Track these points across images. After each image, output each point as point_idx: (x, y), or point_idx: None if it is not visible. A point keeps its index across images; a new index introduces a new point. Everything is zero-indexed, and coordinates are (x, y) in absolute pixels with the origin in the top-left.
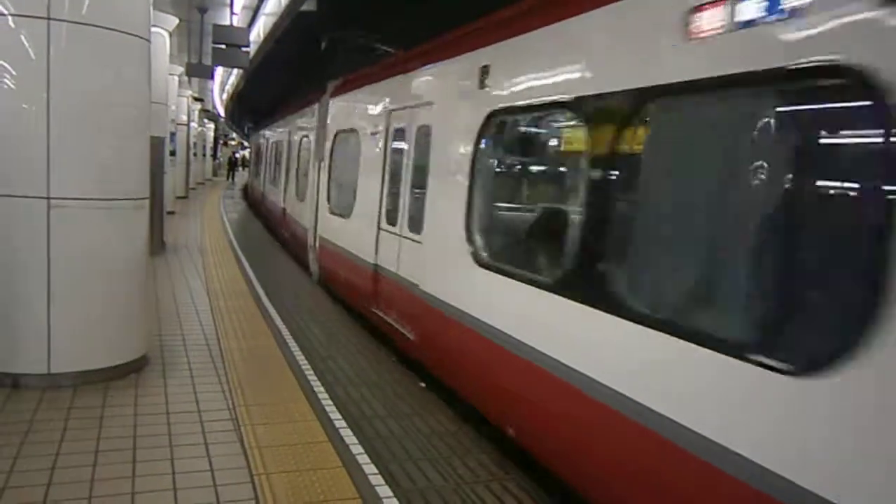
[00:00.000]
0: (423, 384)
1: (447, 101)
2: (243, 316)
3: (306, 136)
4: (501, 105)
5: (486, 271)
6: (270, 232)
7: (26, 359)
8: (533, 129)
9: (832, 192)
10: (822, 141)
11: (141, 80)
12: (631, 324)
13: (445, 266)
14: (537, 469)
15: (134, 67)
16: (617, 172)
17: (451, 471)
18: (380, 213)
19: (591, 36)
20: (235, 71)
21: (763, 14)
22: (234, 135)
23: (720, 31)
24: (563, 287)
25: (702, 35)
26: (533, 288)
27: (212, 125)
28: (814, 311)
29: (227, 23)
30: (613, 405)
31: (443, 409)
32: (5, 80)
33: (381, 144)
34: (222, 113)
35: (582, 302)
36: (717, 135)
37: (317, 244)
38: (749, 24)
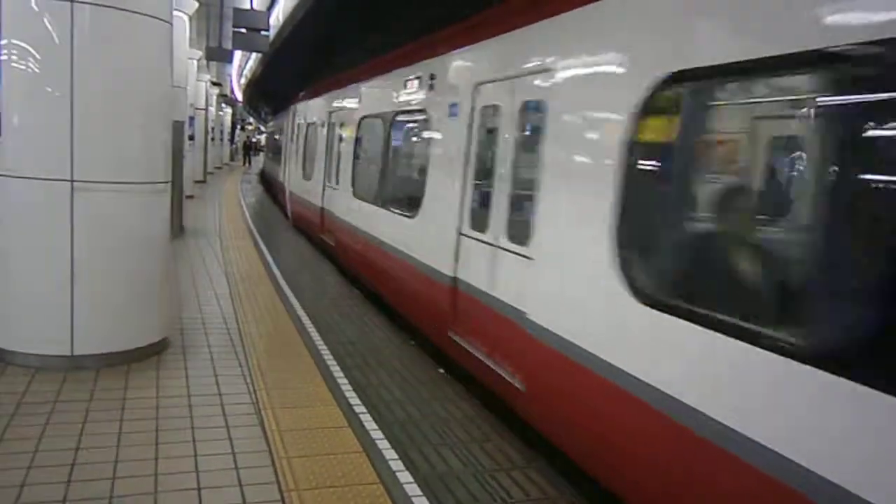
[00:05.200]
0: (441, 370)
1: (346, 112)
2: (261, 299)
3: (287, 126)
4: (366, 114)
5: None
6: (282, 210)
7: (50, 340)
8: (369, 126)
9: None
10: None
11: (163, 64)
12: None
13: (341, 196)
14: (559, 457)
15: (156, 50)
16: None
17: (470, 457)
18: (324, 173)
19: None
20: (254, 56)
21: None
22: (252, 119)
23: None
24: (366, 196)
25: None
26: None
27: (229, 110)
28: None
29: (247, 6)
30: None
31: (462, 395)
32: (30, 64)
33: (324, 132)
34: (240, 98)
35: (362, 200)
36: (375, 130)
37: (290, 197)
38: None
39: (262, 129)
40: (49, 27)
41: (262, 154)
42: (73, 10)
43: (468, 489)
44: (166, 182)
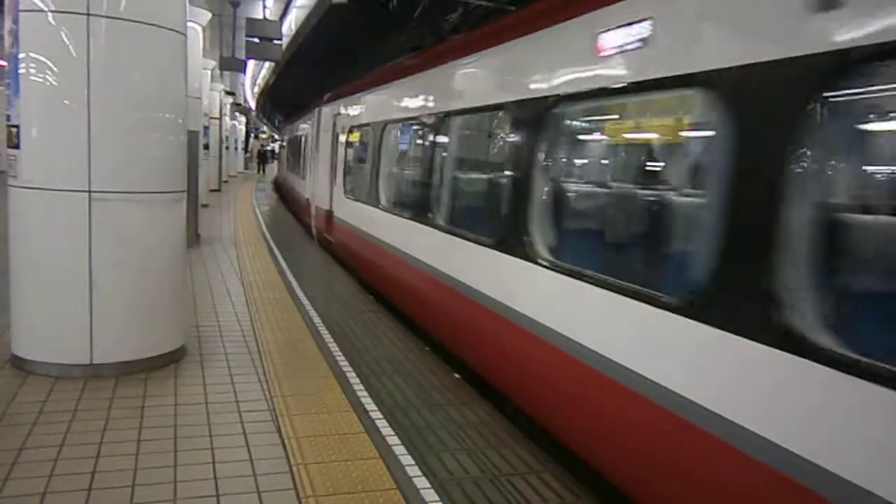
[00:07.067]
0: (457, 375)
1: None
2: (277, 306)
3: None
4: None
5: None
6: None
7: (69, 349)
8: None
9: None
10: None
11: (178, 74)
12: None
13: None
14: (574, 462)
15: (171, 62)
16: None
17: (487, 462)
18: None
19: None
20: (267, 65)
21: None
22: (265, 128)
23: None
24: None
25: None
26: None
27: (243, 119)
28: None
29: (260, 16)
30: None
31: (477, 400)
32: (47, 77)
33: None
34: (253, 106)
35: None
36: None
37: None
38: None
39: (276, 136)
40: (66, 40)
41: (276, 163)
42: (89, 22)
43: (485, 494)
44: (182, 191)
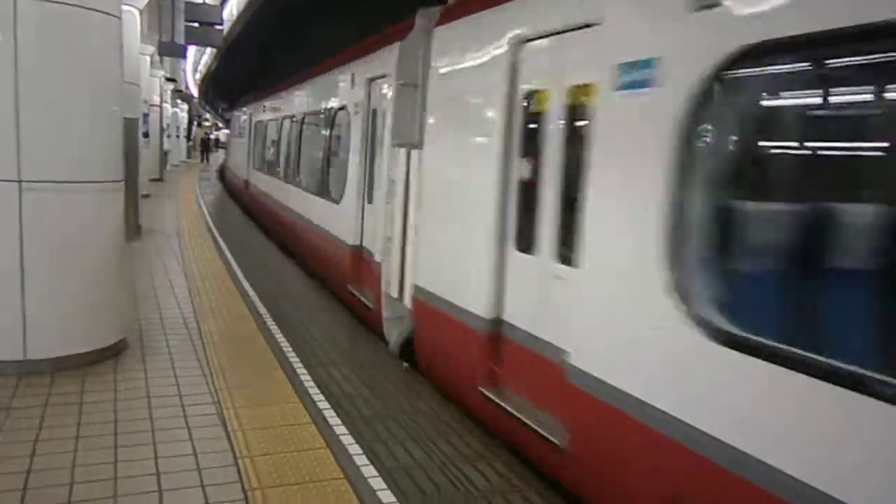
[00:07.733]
0: (406, 364)
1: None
2: (222, 297)
3: None
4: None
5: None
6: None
7: (1, 345)
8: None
9: None
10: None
11: (112, 59)
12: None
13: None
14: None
15: (104, 46)
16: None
17: (435, 450)
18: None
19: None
20: (209, 50)
21: None
22: (208, 115)
23: None
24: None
25: None
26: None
27: (185, 106)
28: None
29: (200, 1)
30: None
31: (426, 389)
32: None
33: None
34: (196, 93)
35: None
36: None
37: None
38: None
39: (220, 124)
40: None
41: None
42: (16, 5)
43: (432, 480)
44: (118, 181)
